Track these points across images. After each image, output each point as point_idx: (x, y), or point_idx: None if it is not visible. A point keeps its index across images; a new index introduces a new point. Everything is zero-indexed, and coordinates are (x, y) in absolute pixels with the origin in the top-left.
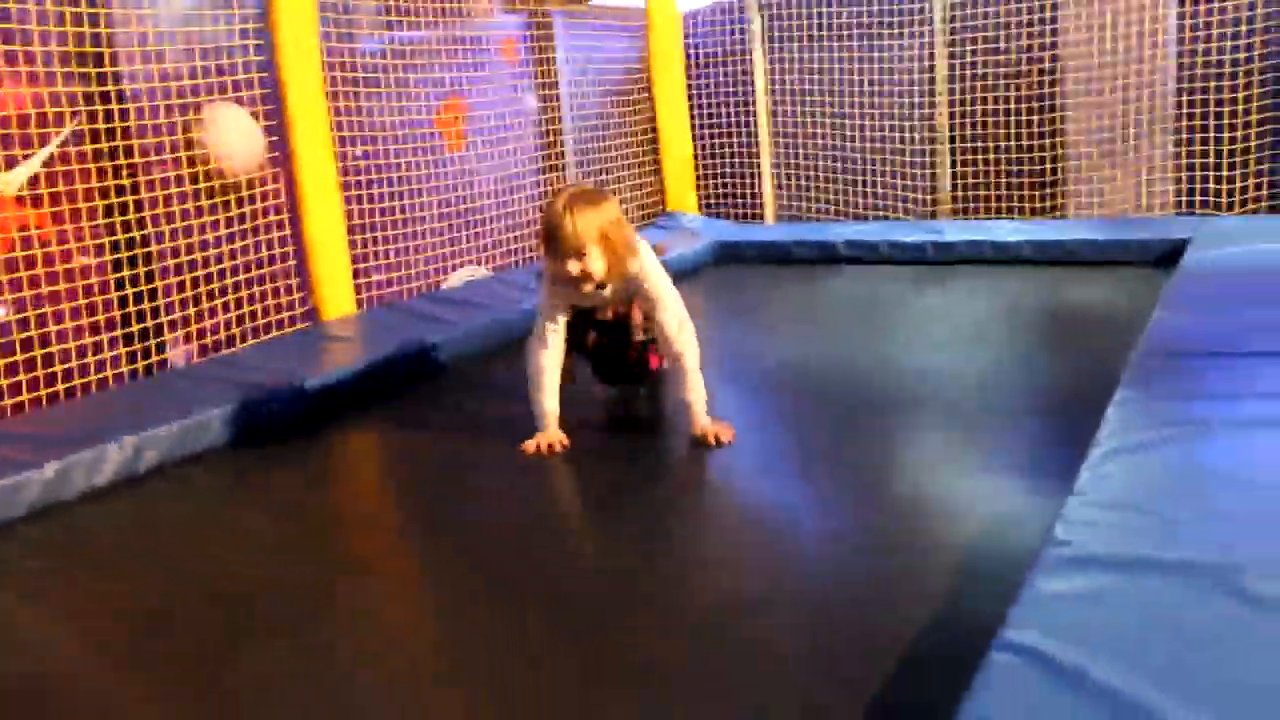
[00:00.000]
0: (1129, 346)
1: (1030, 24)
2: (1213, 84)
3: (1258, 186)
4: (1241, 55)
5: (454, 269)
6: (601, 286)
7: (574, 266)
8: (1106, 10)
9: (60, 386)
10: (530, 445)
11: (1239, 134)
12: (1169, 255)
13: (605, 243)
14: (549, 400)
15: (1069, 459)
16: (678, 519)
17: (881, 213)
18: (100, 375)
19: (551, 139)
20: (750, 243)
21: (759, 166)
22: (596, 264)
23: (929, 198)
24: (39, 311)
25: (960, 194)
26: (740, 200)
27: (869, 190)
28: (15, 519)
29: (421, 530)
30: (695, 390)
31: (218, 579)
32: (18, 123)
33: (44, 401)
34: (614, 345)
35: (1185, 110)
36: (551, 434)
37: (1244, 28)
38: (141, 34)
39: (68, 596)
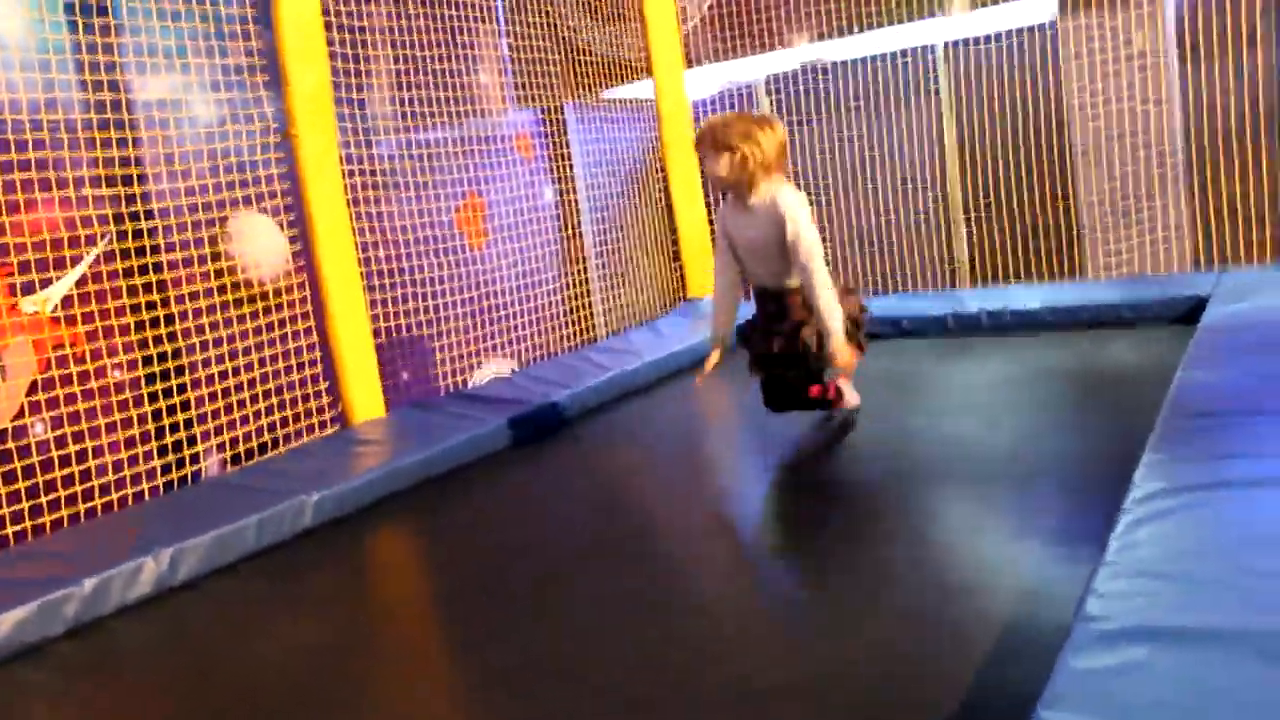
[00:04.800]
0: (1155, 407)
1: (1035, 89)
2: (1221, 139)
3: (1275, 238)
4: (1247, 109)
5: (479, 365)
6: (738, 194)
7: (707, 166)
8: (1109, 73)
9: (98, 500)
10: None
11: (1251, 186)
12: (1190, 312)
13: (736, 153)
14: (715, 325)
15: (1101, 525)
16: (700, 603)
17: (902, 285)
18: (136, 489)
19: (570, 231)
20: None
21: None
22: (721, 167)
23: (948, 268)
24: (75, 429)
25: (978, 261)
26: None
27: (888, 263)
28: (54, 636)
29: (452, 627)
30: (822, 313)
31: (251, 686)
32: (51, 244)
33: (81, 516)
34: (787, 365)
35: (1196, 166)
36: (712, 356)
37: (1246, 79)
38: (168, 152)
39: (106, 712)
